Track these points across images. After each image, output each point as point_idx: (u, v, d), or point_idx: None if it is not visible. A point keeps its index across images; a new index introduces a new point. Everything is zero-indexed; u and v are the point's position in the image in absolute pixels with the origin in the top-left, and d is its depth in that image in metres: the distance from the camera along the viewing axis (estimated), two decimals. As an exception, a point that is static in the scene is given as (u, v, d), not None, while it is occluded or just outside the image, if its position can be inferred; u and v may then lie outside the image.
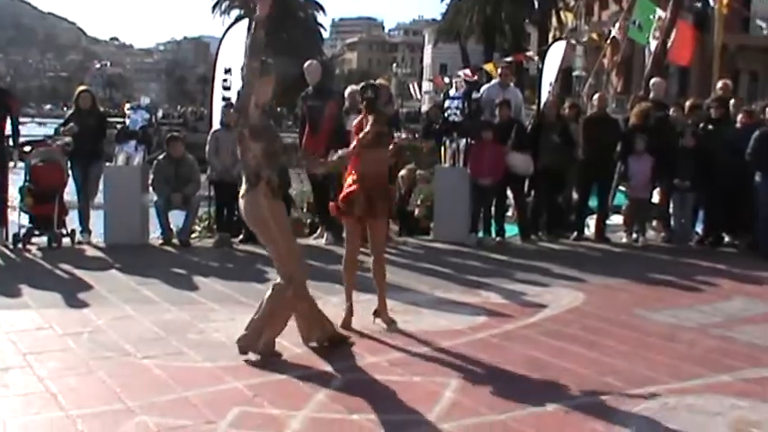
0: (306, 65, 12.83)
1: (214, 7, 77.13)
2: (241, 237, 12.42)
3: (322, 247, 12.27)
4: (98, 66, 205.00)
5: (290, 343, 7.13)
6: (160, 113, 58.65)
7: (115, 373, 6.37)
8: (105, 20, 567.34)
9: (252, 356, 6.72)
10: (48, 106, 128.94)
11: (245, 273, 10.34)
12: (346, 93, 12.84)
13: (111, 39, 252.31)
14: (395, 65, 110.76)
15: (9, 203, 12.18)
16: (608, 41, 30.75)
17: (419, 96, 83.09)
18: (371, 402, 5.83)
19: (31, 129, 56.03)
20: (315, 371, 6.51)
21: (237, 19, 21.29)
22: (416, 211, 14.97)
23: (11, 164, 12.04)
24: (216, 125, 13.10)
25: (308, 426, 5.41)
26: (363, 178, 7.68)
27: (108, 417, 5.49)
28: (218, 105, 13.58)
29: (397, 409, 5.74)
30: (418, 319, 8.23)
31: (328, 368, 6.56)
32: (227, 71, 13.96)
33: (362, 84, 8.23)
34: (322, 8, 79.28)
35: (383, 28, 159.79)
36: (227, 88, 13.87)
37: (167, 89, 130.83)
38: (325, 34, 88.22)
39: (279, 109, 62.63)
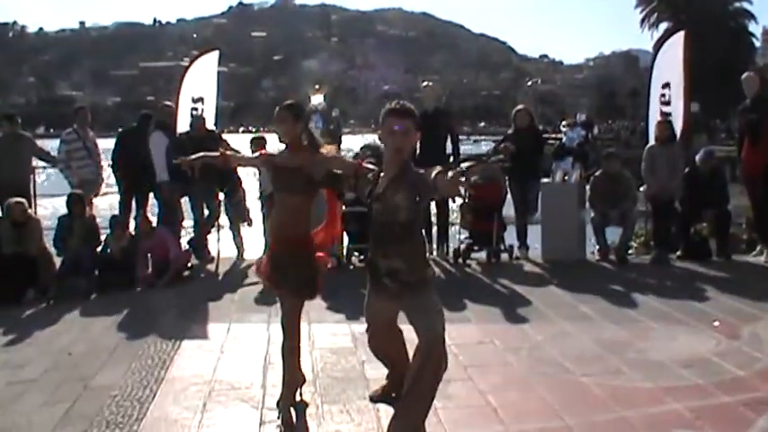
0: (743, 77, 12.24)
1: (642, 21, 76.24)
2: (679, 253, 12.16)
3: (761, 265, 11.72)
4: (529, 83, 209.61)
5: (732, 365, 6.86)
6: (596, 130, 58.77)
7: (554, 389, 6.43)
8: (535, 38, 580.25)
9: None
10: (482, 124, 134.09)
11: (684, 290, 10.05)
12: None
13: (541, 56, 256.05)
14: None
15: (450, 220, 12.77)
16: None
17: None
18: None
19: (467, 146, 58.43)
20: (758, 395, 6.17)
21: (666, 32, 20.74)
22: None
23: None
24: (651, 141, 12.87)
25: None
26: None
27: (547, 433, 5.54)
28: (653, 120, 13.31)
29: None
30: None
31: (774, 394, 6.20)
32: (666, 86, 13.62)
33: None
34: (753, 17, 75.39)
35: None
36: (665, 103, 13.56)
37: (597, 104, 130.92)
38: (757, 43, 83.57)
39: (714, 121, 60.64)
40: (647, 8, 76.25)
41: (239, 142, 13.53)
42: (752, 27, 76.08)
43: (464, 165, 12.87)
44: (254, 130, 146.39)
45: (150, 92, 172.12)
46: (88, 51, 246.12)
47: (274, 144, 6.43)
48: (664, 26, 71.57)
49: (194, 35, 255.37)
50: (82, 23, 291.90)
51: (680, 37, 13.80)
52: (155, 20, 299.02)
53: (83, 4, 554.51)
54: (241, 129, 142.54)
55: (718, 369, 6.83)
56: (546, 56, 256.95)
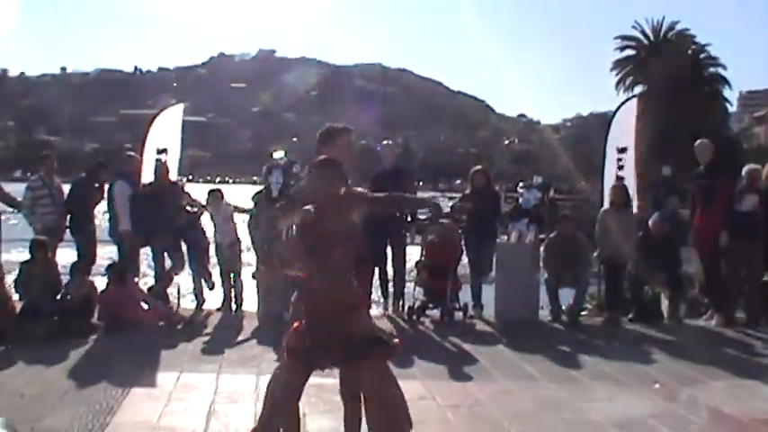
0: (696, 143, 12.58)
1: (618, 84, 76.45)
2: (631, 315, 12.37)
3: (711, 329, 11.96)
4: (506, 142, 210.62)
5: (666, 427, 7.03)
6: (552, 192, 59.24)
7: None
8: (513, 97, 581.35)
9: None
10: (457, 181, 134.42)
11: (630, 352, 10.23)
12: (744, 170, 12.41)
13: (519, 115, 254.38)
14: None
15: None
16: None
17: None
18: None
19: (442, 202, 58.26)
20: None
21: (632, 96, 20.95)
22: None
23: (407, 237, 12.82)
24: (606, 204, 13.09)
25: None
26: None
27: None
28: (608, 184, 13.53)
29: None
30: None
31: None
32: (622, 150, 13.87)
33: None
34: (728, 82, 75.88)
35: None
36: (621, 167, 13.80)
37: (574, 164, 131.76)
38: (732, 108, 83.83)
39: (687, 184, 61.18)
40: (622, 72, 76.83)
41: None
42: (727, 92, 76.26)
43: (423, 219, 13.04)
44: (230, 180, 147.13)
45: (129, 139, 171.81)
46: (69, 97, 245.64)
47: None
48: (638, 89, 72.11)
49: (174, 84, 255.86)
50: (63, 69, 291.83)
51: (633, 103, 14.19)
52: (135, 68, 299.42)
53: (65, 49, 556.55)
54: (218, 179, 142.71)
55: (652, 431, 7.01)
56: (524, 115, 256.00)
